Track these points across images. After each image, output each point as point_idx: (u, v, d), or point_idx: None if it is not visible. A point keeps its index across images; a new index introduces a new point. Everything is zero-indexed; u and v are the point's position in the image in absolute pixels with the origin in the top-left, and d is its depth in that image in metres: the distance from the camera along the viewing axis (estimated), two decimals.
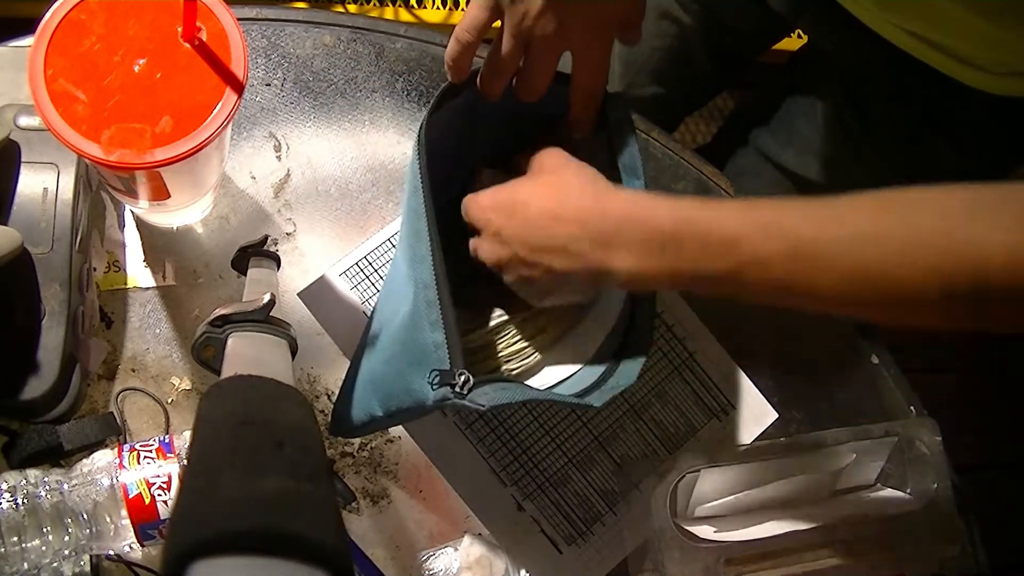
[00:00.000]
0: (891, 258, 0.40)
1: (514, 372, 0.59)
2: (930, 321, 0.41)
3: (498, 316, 0.59)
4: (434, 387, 0.48)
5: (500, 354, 0.59)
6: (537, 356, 0.60)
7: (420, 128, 0.53)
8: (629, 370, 0.54)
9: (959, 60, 0.64)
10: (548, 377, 0.60)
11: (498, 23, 0.53)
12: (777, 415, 0.70)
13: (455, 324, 0.49)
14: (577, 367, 0.59)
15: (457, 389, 0.47)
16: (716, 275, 0.45)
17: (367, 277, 0.66)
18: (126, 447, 0.53)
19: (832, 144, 0.79)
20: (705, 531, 0.61)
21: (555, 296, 0.53)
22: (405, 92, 0.70)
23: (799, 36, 1.45)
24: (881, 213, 0.41)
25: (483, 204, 0.53)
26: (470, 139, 0.60)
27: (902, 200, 0.41)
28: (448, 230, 0.54)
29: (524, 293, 0.54)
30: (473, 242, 0.55)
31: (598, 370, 0.56)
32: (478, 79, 0.55)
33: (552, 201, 0.50)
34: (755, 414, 0.69)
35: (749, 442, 0.68)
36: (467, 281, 0.61)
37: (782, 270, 0.43)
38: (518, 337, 0.59)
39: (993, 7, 0.52)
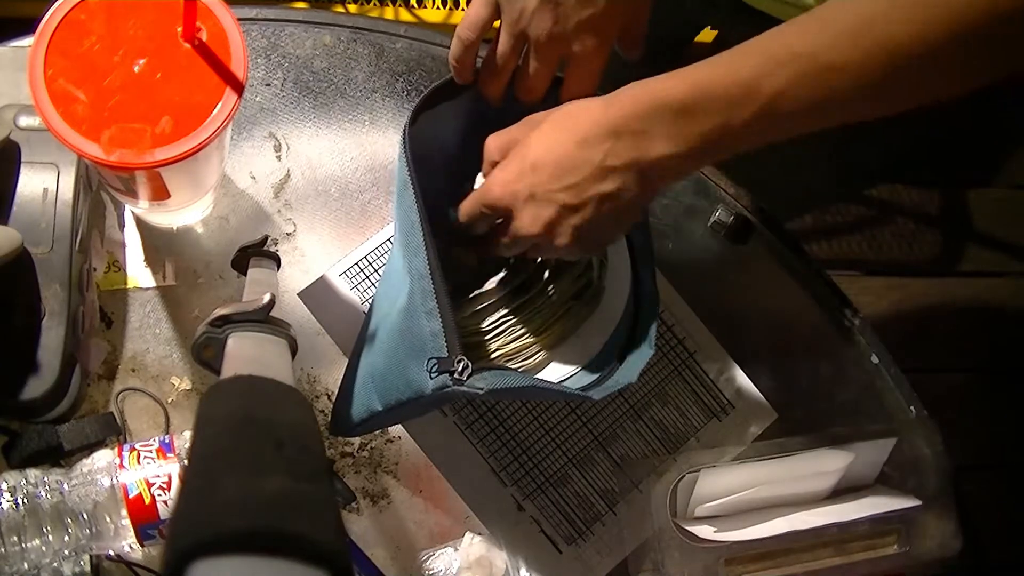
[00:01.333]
0: (900, 23, 0.40)
1: (517, 370, 0.59)
2: (953, 80, 0.41)
3: (500, 314, 0.59)
4: (432, 375, 0.48)
5: (500, 351, 0.59)
6: (539, 356, 0.60)
7: (406, 123, 0.53)
8: (631, 368, 0.54)
9: None
10: (549, 376, 0.60)
11: (499, 22, 0.53)
12: (777, 415, 0.70)
13: (451, 312, 0.49)
14: (579, 367, 0.59)
15: (456, 376, 0.47)
16: (748, 124, 0.44)
17: (367, 277, 0.66)
18: (126, 447, 0.53)
19: None
20: (705, 531, 0.61)
21: (610, 233, 0.51)
22: (405, 92, 0.70)
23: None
24: None
25: (501, 180, 0.50)
26: (478, 146, 0.60)
27: None
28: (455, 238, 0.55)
29: (580, 250, 0.51)
30: (508, 235, 0.52)
31: (602, 368, 0.56)
32: (478, 79, 0.55)
33: (567, 134, 0.48)
34: (755, 414, 0.69)
35: (749, 442, 0.68)
36: (469, 281, 0.61)
37: (808, 89, 0.42)
38: (519, 335, 0.59)
39: None
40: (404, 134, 0.53)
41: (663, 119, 0.46)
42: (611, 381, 0.54)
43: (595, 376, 0.56)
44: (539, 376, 0.60)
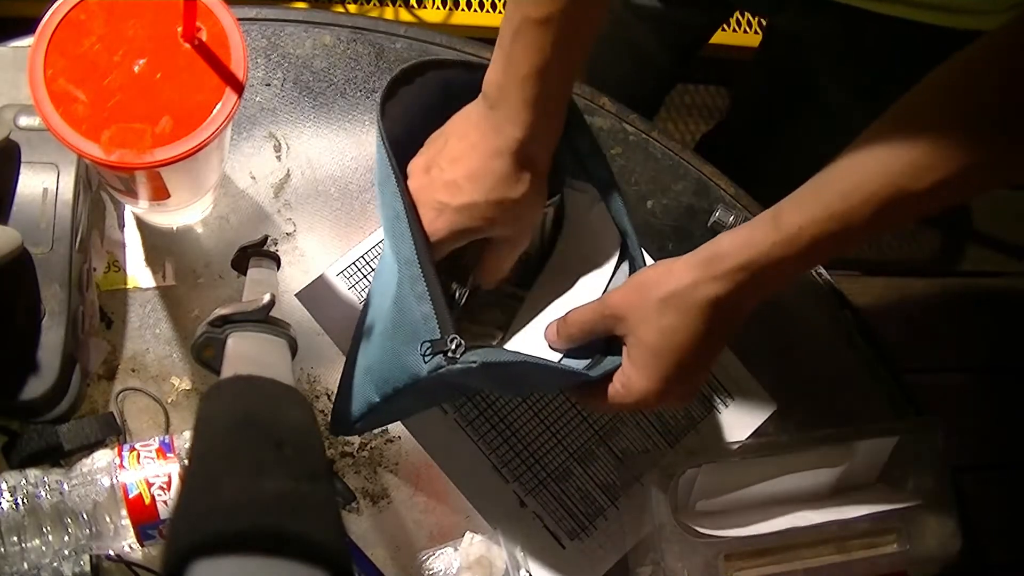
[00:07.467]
0: (850, 207, 0.46)
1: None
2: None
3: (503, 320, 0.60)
4: (427, 359, 0.48)
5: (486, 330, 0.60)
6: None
7: (378, 116, 0.54)
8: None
9: (948, 10, 0.65)
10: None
11: None
12: (775, 405, 0.70)
13: (441, 294, 0.49)
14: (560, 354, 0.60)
15: (449, 354, 0.47)
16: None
17: (365, 276, 0.66)
18: (126, 447, 0.53)
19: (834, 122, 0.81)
20: (705, 526, 0.61)
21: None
22: None
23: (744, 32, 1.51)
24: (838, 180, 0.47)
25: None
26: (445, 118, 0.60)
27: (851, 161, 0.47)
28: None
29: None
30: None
31: (590, 356, 0.57)
32: None
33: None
34: (754, 405, 0.69)
35: (749, 433, 0.69)
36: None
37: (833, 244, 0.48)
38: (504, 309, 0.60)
39: None
40: (379, 127, 0.54)
41: None
42: (607, 361, 0.54)
43: (584, 362, 0.57)
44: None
